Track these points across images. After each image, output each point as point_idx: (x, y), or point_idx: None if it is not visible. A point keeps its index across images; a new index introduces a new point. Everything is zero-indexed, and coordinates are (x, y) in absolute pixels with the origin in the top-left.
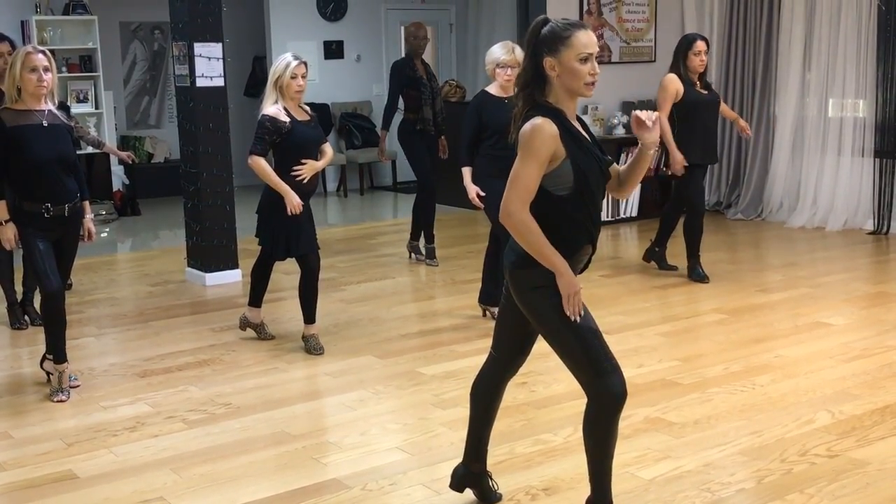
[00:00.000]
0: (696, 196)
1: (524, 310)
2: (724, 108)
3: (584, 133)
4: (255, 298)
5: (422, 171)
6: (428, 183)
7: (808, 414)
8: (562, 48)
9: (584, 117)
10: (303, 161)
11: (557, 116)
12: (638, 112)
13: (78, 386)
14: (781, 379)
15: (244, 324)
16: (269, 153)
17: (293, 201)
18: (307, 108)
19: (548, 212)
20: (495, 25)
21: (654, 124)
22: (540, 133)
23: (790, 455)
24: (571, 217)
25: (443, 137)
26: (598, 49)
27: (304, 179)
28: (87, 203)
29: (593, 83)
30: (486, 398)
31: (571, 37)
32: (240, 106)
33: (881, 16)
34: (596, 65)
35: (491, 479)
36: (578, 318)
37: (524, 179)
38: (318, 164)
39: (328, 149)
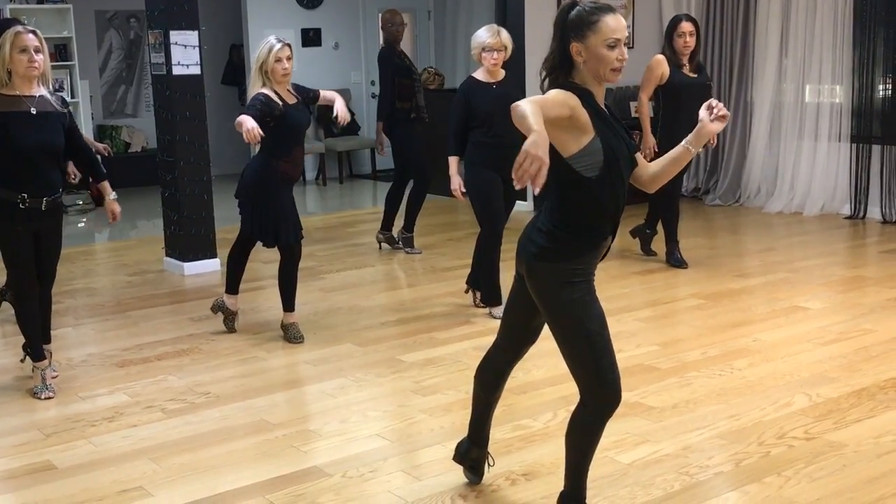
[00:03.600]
0: (674, 180)
1: (539, 304)
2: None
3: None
4: (234, 285)
5: (418, 160)
6: (425, 172)
7: (786, 397)
8: (589, 33)
9: None
10: (294, 144)
11: (583, 94)
12: (712, 101)
13: (56, 376)
14: (759, 363)
15: (218, 308)
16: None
17: (248, 124)
18: (292, 90)
19: (576, 198)
20: (473, 12)
21: (724, 118)
22: (557, 91)
23: (768, 438)
24: (599, 202)
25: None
26: (626, 34)
27: (343, 121)
28: (106, 183)
29: (619, 69)
30: (489, 383)
31: (599, 21)
32: (217, 94)
33: (857, 1)
34: (624, 50)
35: (489, 455)
36: (518, 185)
37: (541, 98)
38: (342, 107)
39: (329, 93)
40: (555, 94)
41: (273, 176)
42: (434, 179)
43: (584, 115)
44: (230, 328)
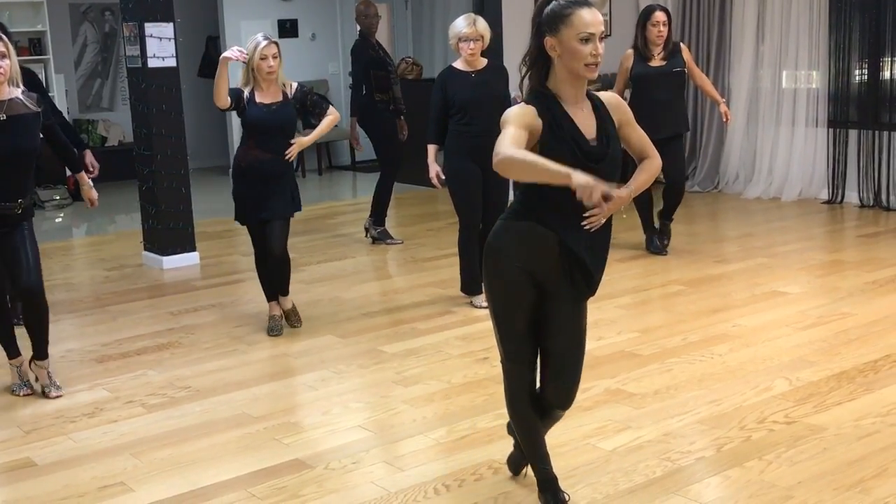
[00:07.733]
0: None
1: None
2: (707, 85)
3: (578, 117)
4: (266, 292)
5: (397, 152)
6: (396, 165)
7: (766, 381)
8: (562, 27)
9: None
10: (263, 139)
11: (545, 102)
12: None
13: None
14: (739, 348)
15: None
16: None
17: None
18: (286, 89)
19: (528, 187)
20: (450, 2)
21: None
22: (515, 113)
23: (749, 422)
24: (539, 200)
25: (401, 118)
26: (602, 28)
27: (289, 158)
28: (82, 173)
29: (595, 64)
30: (522, 410)
31: (572, 15)
32: (193, 86)
33: None
34: (599, 45)
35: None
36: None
37: (507, 134)
38: (304, 140)
39: (328, 115)
40: (514, 117)
41: (244, 162)
42: (414, 170)
43: (538, 125)
44: (275, 333)
